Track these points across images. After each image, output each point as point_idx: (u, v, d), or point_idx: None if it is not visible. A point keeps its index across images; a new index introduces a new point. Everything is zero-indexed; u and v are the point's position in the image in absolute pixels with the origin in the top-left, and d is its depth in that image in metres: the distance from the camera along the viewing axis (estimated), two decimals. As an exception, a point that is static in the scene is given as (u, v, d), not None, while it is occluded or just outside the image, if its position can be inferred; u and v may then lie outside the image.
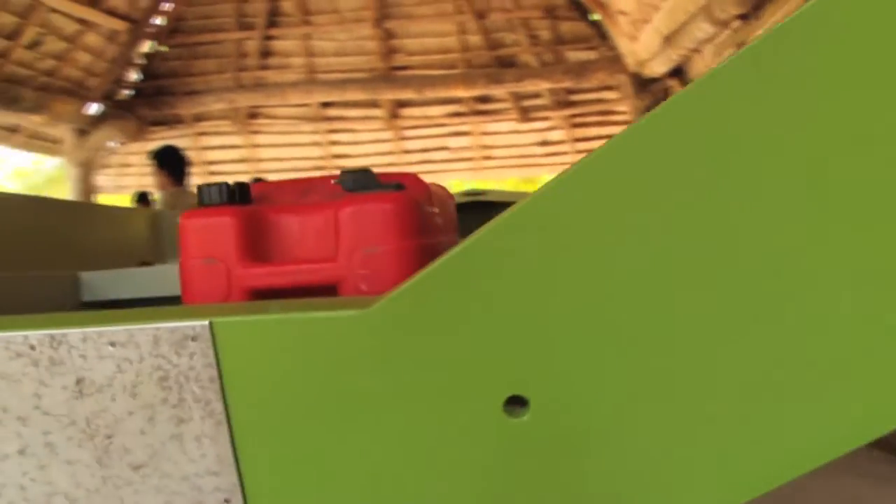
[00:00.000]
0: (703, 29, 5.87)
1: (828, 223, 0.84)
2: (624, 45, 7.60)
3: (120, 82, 8.69)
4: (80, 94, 7.87)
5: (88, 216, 2.33)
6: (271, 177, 7.91)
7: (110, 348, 0.92)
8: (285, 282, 1.48)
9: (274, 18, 8.93)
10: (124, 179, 9.32)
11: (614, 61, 7.92)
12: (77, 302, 1.79)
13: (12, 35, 6.88)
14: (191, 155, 9.56)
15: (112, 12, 7.78)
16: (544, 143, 9.33)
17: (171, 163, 4.37)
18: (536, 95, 8.98)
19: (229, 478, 0.94)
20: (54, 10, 7.08)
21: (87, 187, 8.01)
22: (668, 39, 6.48)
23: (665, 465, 0.92)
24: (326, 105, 9.10)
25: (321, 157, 9.34)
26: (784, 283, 0.88)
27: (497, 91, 8.62)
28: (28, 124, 7.60)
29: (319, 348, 1.02)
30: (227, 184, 1.60)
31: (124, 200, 7.68)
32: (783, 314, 0.88)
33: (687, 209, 0.90)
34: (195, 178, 9.69)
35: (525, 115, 9.05)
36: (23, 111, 6.93)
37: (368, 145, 9.41)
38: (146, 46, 8.88)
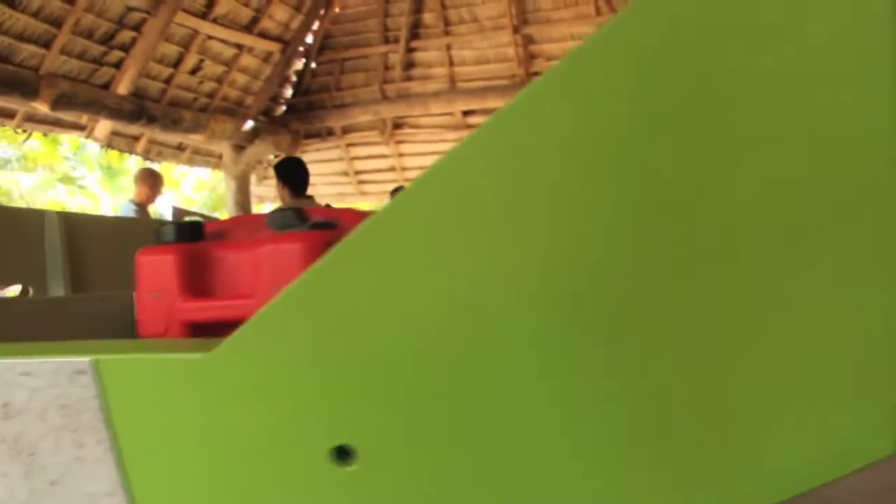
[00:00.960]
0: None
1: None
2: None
3: (275, 99, 9.26)
4: (237, 112, 8.47)
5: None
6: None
7: (23, 378, 1.01)
8: (216, 316, 1.55)
9: (416, 31, 9.16)
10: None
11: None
12: None
13: (175, 63, 7.53)
14: (341, 166, 10.05)
15: (265, 35, 8.31)
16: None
17: (290, 174, 4.52)
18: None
19: (122, 499, 1.01)
20: (212, 38, 7.67)
21: (244, 199, 8.59)
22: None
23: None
24: (468, 113, 9.21)
25: (464, 165, 9.43)
26: (619, 338, 0.83)
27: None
28: (191, 142, 8.28)
29: (173, 388, 1.06)
30: (179, 223, 1.68)
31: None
32: (606, 379, 0.84)
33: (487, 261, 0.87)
34: (348, 188, 10.16)
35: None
36: (183, 131, 7.56)
37: (510, 152, 9.40)
38: (298, 64, 9.40)
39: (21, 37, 6.08)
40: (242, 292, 1.47)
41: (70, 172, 14.86)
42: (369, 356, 0.96)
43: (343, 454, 1.01)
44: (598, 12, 8.43)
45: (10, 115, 6.50)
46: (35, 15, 6.08)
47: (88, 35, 6.53)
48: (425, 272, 0.94)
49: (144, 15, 6.74)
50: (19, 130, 6.67)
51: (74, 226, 2.91)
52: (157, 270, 1.52)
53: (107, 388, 1.01)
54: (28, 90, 5.89)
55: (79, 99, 6.22)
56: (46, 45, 6.24)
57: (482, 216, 0.85)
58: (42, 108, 6.01)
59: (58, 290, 2.54)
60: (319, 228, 1.53)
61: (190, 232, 1.59)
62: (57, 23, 6.23)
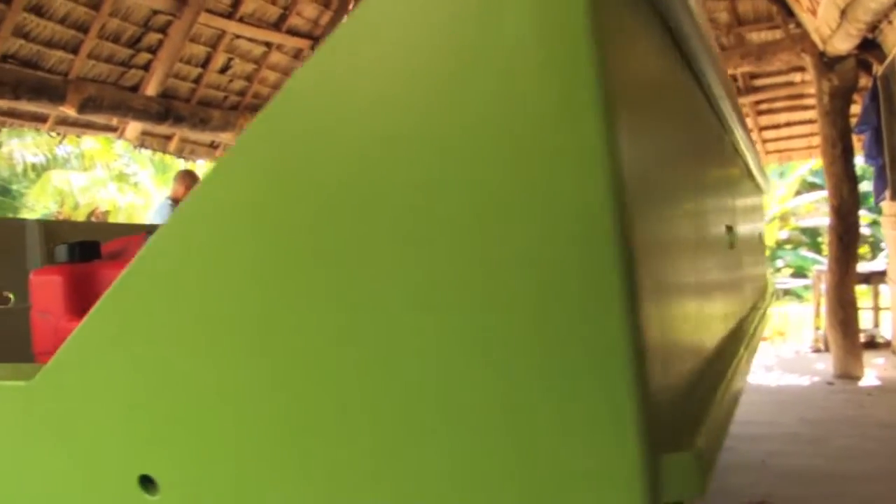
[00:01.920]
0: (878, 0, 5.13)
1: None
2: (808, 20, 6.85)
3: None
4: (268, 109, 8.57)
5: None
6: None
7: None
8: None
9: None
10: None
11: (801, 40, 7.16)
12: None
13: (204, 63, 7.68)
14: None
15: (294, 32, 8.40)
16: (728, 133, 8.68)
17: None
18: (716, 82, 8.37)
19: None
20: (239, 37, 7.79)
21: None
22: (844, 12, 5.74)
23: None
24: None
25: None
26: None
27: (671, 81, 8.15)
28: (223, 140, 8.43)
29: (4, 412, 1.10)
30: (72, 244, 1.72)
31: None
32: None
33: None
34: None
35: (703, 104, 8.48)
36: (212, 130, 7.72)
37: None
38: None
39: (49, 43, 6.29)
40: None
41: (124, 170, 15.33)
42: (160, 389, 0.98)
43: (149, 483, 1.03)
44: None
45: (42, 119, 6.76)
46: (62, 21, 6.28)
47: (115, 39, 6.71)
48: (190, 318, 0.96)
49: (170, 17, 6.89)
50: (53, 133, 6.91)
51: (55, 233, 3.01)
52: (45, 290, 1.57)
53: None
54: (55, 95, 6.09)
55: (105, 102, 6.41)
56: (74, 50, 6.44)
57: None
58: (69, 111, 6.22)
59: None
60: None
61: (81, 252, 1.63)
62: (83, 28, 6.42)
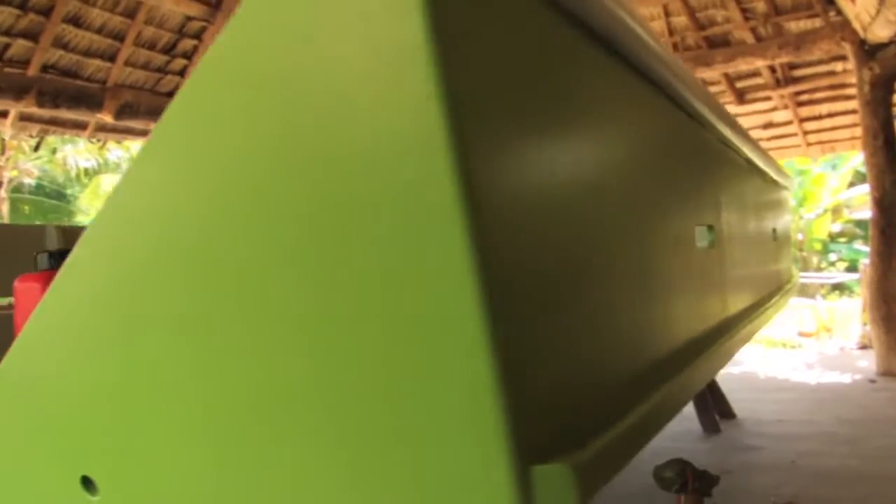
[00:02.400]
0: (914, -16, 4.96)
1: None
2: (848, 7, 6.65)
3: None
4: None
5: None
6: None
7: None
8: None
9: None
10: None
11: (841, 28, 6.96)
12: None
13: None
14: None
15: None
16: (769, 126, 8.48)
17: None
18: (755, 74, 8.19)
19: None
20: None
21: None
22: (883, -1, 5.56)
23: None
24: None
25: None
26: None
27: (708, 74, 7.99)
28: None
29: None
30: (55, 251, 1.78)
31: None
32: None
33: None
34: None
35: (742, 96, 8.29)
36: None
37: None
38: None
39: (87, 52, 6.47)
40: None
41: (172, 173, 15.61)
42: (95, 393, 1.01)
43: (90, 484, 1.07)
44: (662, -9, 8.12)
45: (83, 126, 6.96)
46: (99, 31, 6.45)
47: (151, 46, 6.87)
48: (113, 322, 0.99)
49: (204, 23, 7.02)
50: (93, 140, 7.12)
51: (73, 238, 3.10)
52: (27, 298, 1.64)
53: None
54: (93, 102, 6.27)
55: (141, 108, 6.57)
56: (111, 58, 6.62)
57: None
58: (106, 118, 6.39)
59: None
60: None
61: (61, 259, 1.68)
62: (120, 37, 6.59)
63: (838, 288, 14.08)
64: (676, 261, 1.40)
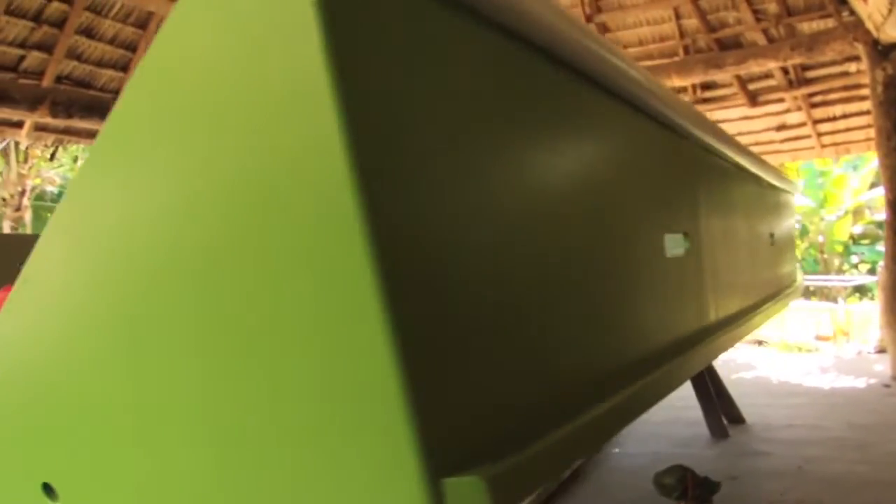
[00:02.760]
0: (924, -17, 4.90)
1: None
2: (861, 7, 6.58)
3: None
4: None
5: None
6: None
7: None
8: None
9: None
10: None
11: (854, 28, 6.88)
12: None
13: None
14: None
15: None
16: (782, 128, 8.40)
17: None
18: (767, 76, 8.12)
19: None
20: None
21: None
22: (892, -1, 5.50)
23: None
24: (545, 107, 9.06)
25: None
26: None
27: (719, 76, 7.94)
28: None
29: None
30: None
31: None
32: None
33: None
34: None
35: (754, 98, 8.22)
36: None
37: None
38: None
39: (100, 63, 6.57)
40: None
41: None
42: (53, 400, 1.04)
43: (50, 490, 1.09)
44: (673, -6, 8.08)
45: (97, 135, 7.04)
46: (111, 42, 6.55)
47: (163, 56, 6.94)
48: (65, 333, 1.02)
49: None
50: (107, 149, 7.20)
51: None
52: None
53: None
54: (106, 111, 6.36)
55: (153, 117, 6.64)
56: (124, 68, 6.71)
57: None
58: (119, 128, 6.47)
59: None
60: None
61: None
62: (132, 47, 6.68)
63: (860, 290, 13.90)
64: (636, 271, 1.39)
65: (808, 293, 13.32)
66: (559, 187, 1.10)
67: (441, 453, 0.74)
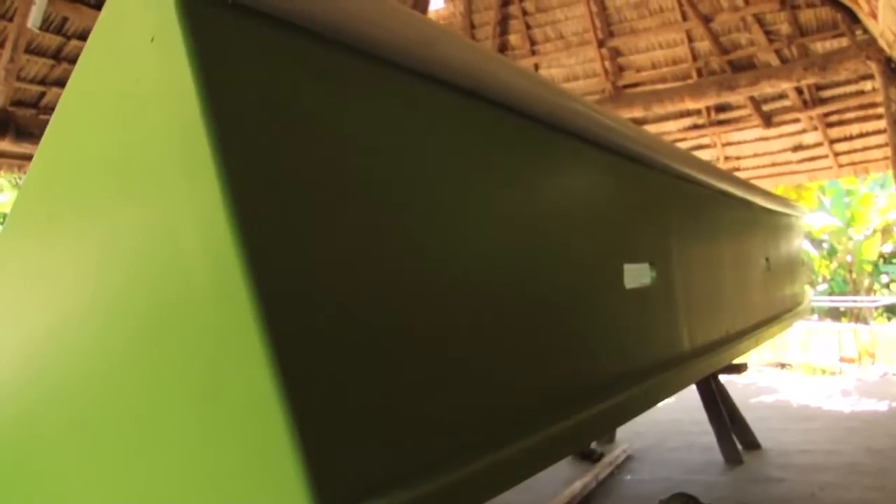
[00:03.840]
0: (930, 2, 4.85)
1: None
2: (873, 26, 6.53)
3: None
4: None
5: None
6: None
7: None
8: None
9: (502, 53, 9.18)
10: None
11: (867, 47, 6.83)
12: None
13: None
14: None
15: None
16: (798, 148, 8.33)
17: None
18: (781, 96, 8.07)
19: None
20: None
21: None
22: (901, 17, 5.45)
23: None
24: (560, 131, 9.08)
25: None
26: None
27: (732, 98, 7.91)
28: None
29: None
30: None
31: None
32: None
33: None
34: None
35: (769, 119, 8.17)
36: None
37: (607, 167, 9.18)
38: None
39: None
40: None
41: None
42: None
43: None
44: (684, 17, 8.09)
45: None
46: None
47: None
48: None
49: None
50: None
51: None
52: None
53: None
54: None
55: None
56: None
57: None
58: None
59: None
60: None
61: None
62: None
63: (890, 310, 13.63)
64: (586, 302, 1.39)
65: (837, 314, 13.10)
66: (490, 224, 1.11)
67: (329, 492, 0.75)
